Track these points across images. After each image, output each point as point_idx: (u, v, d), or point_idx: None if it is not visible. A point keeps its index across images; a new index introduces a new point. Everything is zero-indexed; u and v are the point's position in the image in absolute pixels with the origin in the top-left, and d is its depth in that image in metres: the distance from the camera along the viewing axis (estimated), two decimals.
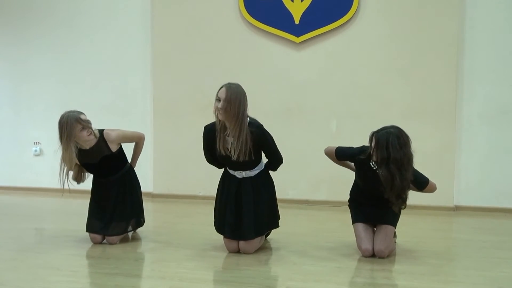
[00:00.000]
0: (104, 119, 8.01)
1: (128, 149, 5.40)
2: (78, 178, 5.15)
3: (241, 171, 4.82)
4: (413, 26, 7.11)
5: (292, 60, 7.49)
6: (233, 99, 4.52)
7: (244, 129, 4.57)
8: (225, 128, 4.64)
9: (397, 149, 4.40)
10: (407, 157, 4.45)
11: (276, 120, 7.32)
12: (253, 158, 4.68)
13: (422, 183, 4.73)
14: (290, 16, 7.41)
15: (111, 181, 5.21)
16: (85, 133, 4.90)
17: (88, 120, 4.93)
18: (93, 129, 5.00)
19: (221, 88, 4.59)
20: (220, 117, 4.57)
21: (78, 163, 5.06)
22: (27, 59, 8.58)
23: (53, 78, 8.47)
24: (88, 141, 4.97)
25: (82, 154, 5.03)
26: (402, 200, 4.54)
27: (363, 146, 4.74)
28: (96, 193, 5.28)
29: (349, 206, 5.00)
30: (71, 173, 5.13)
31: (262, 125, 4.72)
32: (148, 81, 8.05)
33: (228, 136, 4.66)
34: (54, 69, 8.46)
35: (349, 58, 7.32)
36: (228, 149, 4.68)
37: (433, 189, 4.85)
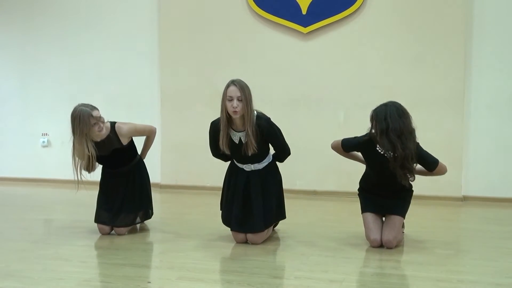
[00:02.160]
0: (112, 110, 8.01)
1: (139, 140, 5.40)
2: (89, 168, 5.13)
3: (250, 164, 4.81)
4: (420, 15, 7.08)
5: (299, 50, 7.47)
6: (247, 94, 4.55)
7: (254, 122, 4.59)
8: (229, 124, 4.63)
9: (395, 119, 4.44)
10: (407, 127, 4.46)
11: (283, 110, 7.32)
12: (261, 151, 4.69)
13: (431, 164, 4.69)
14: (297, 6, 7.38)
15: (121, 172, 5.22)
16: (96, 128, 4.88)
17: (100, 116, 4.92)
18: (105, 121, 5.00)
19: (229, 86, 4.56)
20: (234, 116, 4.56)
21: (90, 154, 5.01)
22: (35, 50, 8.60)
23: (60, 70, 8.49)
24: (99, 135, 4.97)
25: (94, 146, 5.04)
26: (408, 170, 4.50)
27: (368, 133, 4.74)
28: (104, 184, 5.29)
29: (359, 195, 4.99)
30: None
31: (269, 118, 4.72)
32: (156, 72, 8.05)
33: (235, 130, 4.65)
34: (62, 60, 8.47)
35: (357, 48, 7.30)
36: (235, 143, 4.68)
37: (443, 170, 4.79)
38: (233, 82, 4.59)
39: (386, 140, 4.43)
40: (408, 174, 4.54)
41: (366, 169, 4.93)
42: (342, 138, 4.97)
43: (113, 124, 5.07)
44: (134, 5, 8.16)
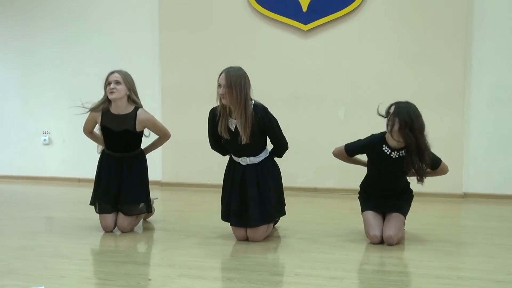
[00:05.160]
0: None
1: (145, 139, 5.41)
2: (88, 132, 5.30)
3: (245, 157, 4.80)
4: (421, 12, 7.07)
5: (299, 48, 7.47)
6: (234, 83, 4.56)
7: (248, 111, 4.60)
8: (227, 109, 4.68)
9: (418, 116, 4.50)
10: (425, 127, 4.54)
11: (284, 108, 7.31)
12: (256, 142, 4.69)
13: (436, 161, 4.72)
14: (297, 3, 7.38)
15: (120, 159, 5.18)
16: (108, 87, 5.03)
17: (117, 81, 5.04)
18: (134, 99, 5.13)
19: (221, 73, 4.64)
20: (224, 102, 4.61)
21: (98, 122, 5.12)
22: (36, 48, 8.60)
23: (61, 68, 8.49)
24: (117, 104, 5.05)
25: (108, 117, 5.08)
26: (423, 169, 4.56)
27: (372, 135, 4.75)
28: (103, 174, 5.23)
29: (359, 198, 4.99)
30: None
31: (266, 108, 4.73)
32: (156, 70, 8.05)
33: (232, 117, 4.69)
34: (63, 58, 8.47)
35: (357, 45, 7.29)
36: (231, 130, 4.70)
37: (445, 170, 4.88)
38: (224, 70, 4.66)
39: (411, 133, 4.46)
40: (421, 174, 4.58)
41: (367, 173, 4.94)
42: (342, 139, 4.97)
43: (138, 107, 5.13)
44: (135, 2, 8.16)
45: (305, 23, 7.39)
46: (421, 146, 4.49)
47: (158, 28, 8.00)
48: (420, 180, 4.65)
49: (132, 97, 5.10)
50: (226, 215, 4.91)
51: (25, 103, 8.74)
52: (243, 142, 4.63)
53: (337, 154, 5.00)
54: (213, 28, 7.73)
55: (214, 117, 4.78)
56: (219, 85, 4.60)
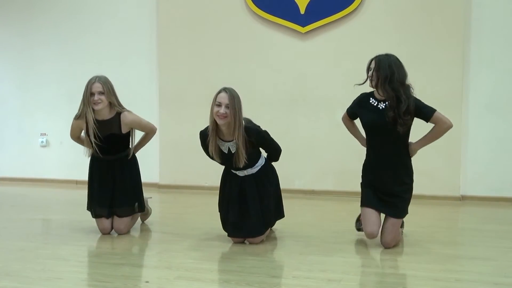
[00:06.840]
0: None
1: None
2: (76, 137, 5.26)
3: (243, 170, 4.80)
4: (419, 15, 7.08)
5: (297, 50, 7.47)
6: (236, 104, 4.55)
7: (242, 133, 4.58)
8: (217, 131, 4.65)
9: (399, 67, 4.60)
10: (406, 76, 4.63)
11: (281, 110, 7.33)
12: (252, 158, 4.70)
13: (428, 110, 4.65)
14: (295, 6, 7.39)
15: (110, 163, 5.17)
16: (91, 98, 4.94)
17: (100, 92, 4.94)
18: (115, 103, 5.04)
19: (220, 92, 4.59)
20: (219, 122, 4.56)
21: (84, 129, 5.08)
22: (34, 50, 8.60)
23: (59, 69, 8.49)
24: (100, 111, 5.00)
25: (92, 123, 5.05)
26: (405, 120, 4.54)
27: (362, 93, 4.89)
28: (96, 177, 5.23)
29: (361, 184, 4.89)
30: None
31: (257, 127, 4.71)
32: (154, 72, 8.05)
33: (223, 140, 4.67)
34: (60, 60, 8.47)
35: (355, 47, 7.29)
36: (224, 153, 4.68)
37: (446, 122, 4.65)
38: (224, 89, 4.61)
39: (389, 87, 4.54)
40: (402, 125, 4.55)
41: (366, 150, 4.87)
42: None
43: (121, 111, 5.08)
44: (133, 5, 8.16)
45: (303, 25, 7.40)
46: (404, 99, 4.52)
47: (156, 31, 8.00)
48: (400, 126, 4.57)
49: (113, 103, 5.05)
50: (225, 227, 4.90)
51: (23, 105, 8.73)
52: (241, 165, 4.64)
53: (343, 118, 5.10)
54: (211, 30, 7.73)
55: (204, 138, 4.74)
56: (218, 105, 4.54)
